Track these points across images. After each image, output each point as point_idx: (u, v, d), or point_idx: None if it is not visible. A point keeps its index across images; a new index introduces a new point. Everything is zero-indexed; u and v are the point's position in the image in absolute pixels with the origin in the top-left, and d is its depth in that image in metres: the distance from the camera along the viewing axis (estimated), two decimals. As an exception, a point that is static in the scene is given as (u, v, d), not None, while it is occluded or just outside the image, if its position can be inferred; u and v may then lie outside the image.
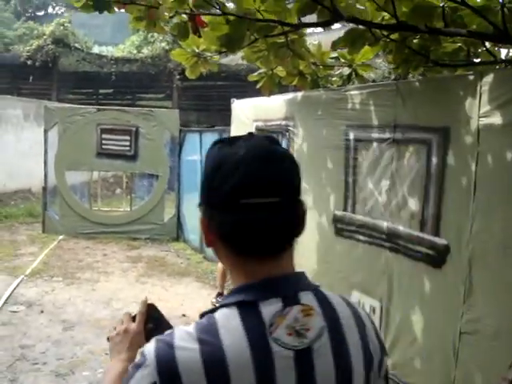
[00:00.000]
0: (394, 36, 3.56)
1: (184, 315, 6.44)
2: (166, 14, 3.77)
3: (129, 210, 11.48)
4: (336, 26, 3.33)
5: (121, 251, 9.85)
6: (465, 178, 3.45)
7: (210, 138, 9.56)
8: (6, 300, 6.82)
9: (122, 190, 14.84)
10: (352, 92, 4.66)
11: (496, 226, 3.23)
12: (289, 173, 1.17)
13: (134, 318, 1.50)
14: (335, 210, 4.92)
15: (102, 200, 12.78)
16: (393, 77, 12.13)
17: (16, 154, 13.62)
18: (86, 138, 10.70)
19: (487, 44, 3.74)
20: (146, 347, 1.08)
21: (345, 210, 4.80)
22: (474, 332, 3.37)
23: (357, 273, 4.63)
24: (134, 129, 10.72)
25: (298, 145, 5.55)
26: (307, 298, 1.13)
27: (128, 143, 10.81)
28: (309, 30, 3.87)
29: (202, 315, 1.12)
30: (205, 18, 3.71)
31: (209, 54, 4.51)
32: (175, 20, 3.90)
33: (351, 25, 3.45)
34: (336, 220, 4.92)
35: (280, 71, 4.94)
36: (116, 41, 23.43)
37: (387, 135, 4.21)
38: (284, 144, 9.60)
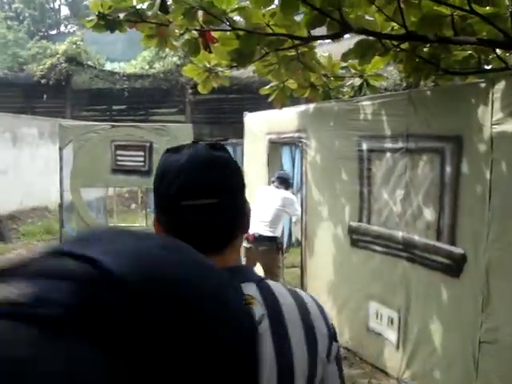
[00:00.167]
0: (403, 46, 3.57)
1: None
2: (177, 31, 3.81)
3: (144, 224, 11.51)
4: (346, 35, 3.33)
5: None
6: (479, 185, 3.43)
7: (224, 151, 9.59)
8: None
9: (137, 205, 14.89)
10: (364, 102, 4.65)
11: (513, 234, 3.21)
12: (226, 177, 1.26)
13: None
14: (350, 220, 4.91)
15: (117, 215, 12.82)
16: (404, 84, 12.12)
17: (32, 172, 13.74)
18: (100, 154, 10.75)
19: (498, 51, 3.72)
20: None
21: (360, 220, 4.78)
22: (494, 341, 3.34)
23: (374, 283, 4.60)
24: (147, 144, 10.75)
25: (312, 156, 5.55)
26: (250, 288, 1.23)
27: (142, 159, 10.83)
28: (318, 41, 3.88)
29: None
30: (215, 34, 3.74)
31: (220, 69, 4.54)
32: (186, 36, 3.93)
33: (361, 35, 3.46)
34: (351, 231, 4.90)
35: (291, 84, 4.95)
36: (128, 57, 23.57)
37: (400, 145, 4.20)
38: (297, 156, 9.62)
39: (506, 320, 3.27)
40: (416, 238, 4.07)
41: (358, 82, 4.96)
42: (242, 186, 1.31)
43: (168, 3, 3.51)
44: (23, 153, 14.02)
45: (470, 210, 3.55)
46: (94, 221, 11.05)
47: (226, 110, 20.42)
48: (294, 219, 7.84)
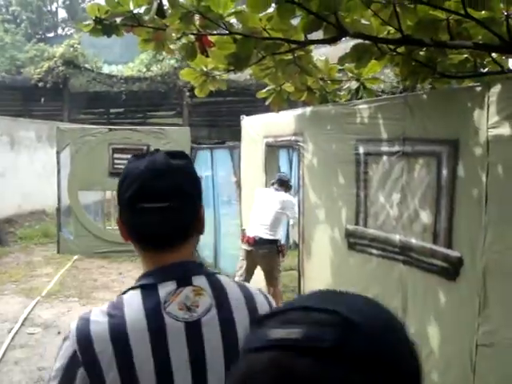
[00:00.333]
0: (400, 49, 3.58)
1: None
2: (174, 35, 3.81)
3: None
4: (342, 39, 3.35)
5: (136, 270, 9.84)
6: (476, 189, 3.44)
7: (221, 154, 9.61)
8: (23, 322, 6.84)
9: (135, 208, 14.88)
10: (360, 106, 4.66)
11: (509, 237, 3.21)
12: (179, 183, 1.38)
13: None
14: (347, 224, 4.91)
15: (115, 219, 12.80)
16: (401, 87, 12.15)
17: (29, 175, 13.75)
18: (98, 158, 10.78)
19: (494, 54, 3.73)
20: (71, 323, 1.32)
21: (357, 224, 4.79)
22: (491, 344, 3.34)
23: (371, 286, 4.60)
24: (145, 147, 10.77)
25: (309, 160, 5.56)
26: (200, 281, 1.37)
27: (139, 162, 10.85)
28: (315, 45, 3.89)
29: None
30: (212, 38, 3.75)
31: (217, 73, 4.54)
32: (183, 41, 3.93)
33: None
34: (348, 234, 4.91)
35: (288, 87, 4.96)
36: (125, 59, 23.57)
37: (397, 148, 4.21)
38: (294, 159, 9.61)
39: (502, 323, 3.27)
40: (413, 241, 4.08)
41: (354, 85, 4.96)
42: (195, 191, 1.44)
43: (165, 8, 3.52)
44: (21, 156, 14.03)
45: (467, 213, 3.56)
46: (91, 224, 11.07)
47: (223, 113, 20.47)
48: (291, 222, 7.84)
